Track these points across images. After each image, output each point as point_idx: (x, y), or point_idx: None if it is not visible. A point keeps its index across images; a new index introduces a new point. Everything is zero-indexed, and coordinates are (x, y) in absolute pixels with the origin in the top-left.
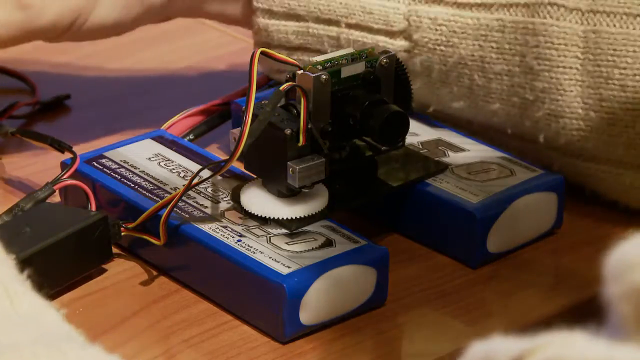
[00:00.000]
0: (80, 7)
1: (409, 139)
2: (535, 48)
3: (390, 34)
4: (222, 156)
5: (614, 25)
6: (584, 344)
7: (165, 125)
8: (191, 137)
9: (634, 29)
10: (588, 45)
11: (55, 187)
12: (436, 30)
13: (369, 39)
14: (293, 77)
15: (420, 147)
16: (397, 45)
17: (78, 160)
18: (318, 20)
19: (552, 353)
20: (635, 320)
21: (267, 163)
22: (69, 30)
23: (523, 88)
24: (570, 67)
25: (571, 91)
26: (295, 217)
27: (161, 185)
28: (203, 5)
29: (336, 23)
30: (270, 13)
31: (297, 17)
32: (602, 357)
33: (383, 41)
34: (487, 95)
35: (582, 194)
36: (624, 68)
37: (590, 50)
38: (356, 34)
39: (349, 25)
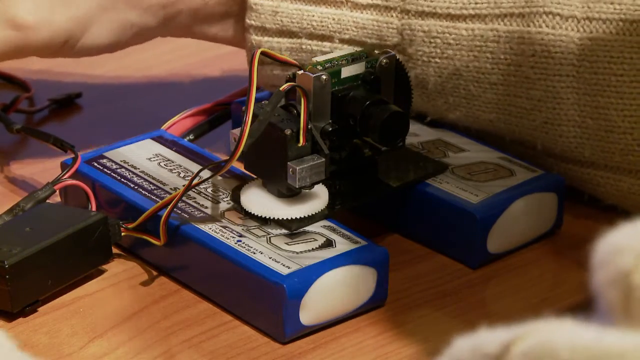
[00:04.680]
0: (72, 30)
1: (409, 139)
2: (531, 57)
3: (384, 48)
4: (222, 156)
5: (610, 32)
6: (571, 329)
7: (165, 125)
8: (191, 137)
9: (630, 35)
10: (584, 52)
11: (55, 187)
12: (430, 43)
13: None
14: (293, 77)
15: (420, 147)
16: None
17: (79, 160)
18: (311, 36)
19: (539, 339)
20: (622, 305)
21: (267, 163)
22: (62, 50)
23: (519, 97)
24: (567, 75)
25: (568, 99)
26: (295, 217)
27: (161, 186)
28: (195, 28)
29: (329, 39)
30: (263, 30)
31: (290, 34)
32: (590, 342)
33: None
34: (484, 105)
35: (582, 194)
36: (621, 75)
37: (586, 58)
38: None
39: (342, 41)
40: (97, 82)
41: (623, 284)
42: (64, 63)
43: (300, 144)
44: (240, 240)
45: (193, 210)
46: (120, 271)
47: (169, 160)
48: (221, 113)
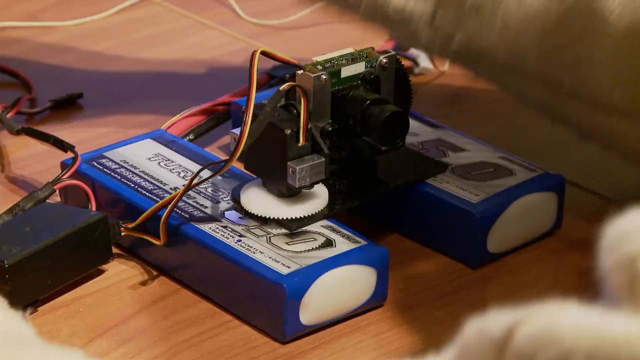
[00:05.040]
0: None
1: (409, 139)
2: None
3: None
4: (222, 156)
5: None
6: (577, 312)
7: (165, 125)
8: (191, 137)
9: None
10: None
11: (55, 187)
12: None
13: None
14: (293, 77)
15: (420, 147)
16: None
17: (79, 160)
18: None
19: (544, 321)
20: (628, 289)
21: (267, 163)
22: None
23: (558, 30)
24: (610, 14)
25: (605, 39)
26: (295, 217)
27: (161, 185)
28: None
29: None
30: None
31: None
32: (595, 325)
33: None
34: (520, 33)
35: (582, 194)
36: None
37: (628, 3)
38: None
39: None
40: (98, 82)
41: (629, 269)
42: (66, 63)
43: (300, 144)
44: (240, 240)
45: (193, 210)
46: (120, 271)
47: (169, 160)
48: (221, 113)
